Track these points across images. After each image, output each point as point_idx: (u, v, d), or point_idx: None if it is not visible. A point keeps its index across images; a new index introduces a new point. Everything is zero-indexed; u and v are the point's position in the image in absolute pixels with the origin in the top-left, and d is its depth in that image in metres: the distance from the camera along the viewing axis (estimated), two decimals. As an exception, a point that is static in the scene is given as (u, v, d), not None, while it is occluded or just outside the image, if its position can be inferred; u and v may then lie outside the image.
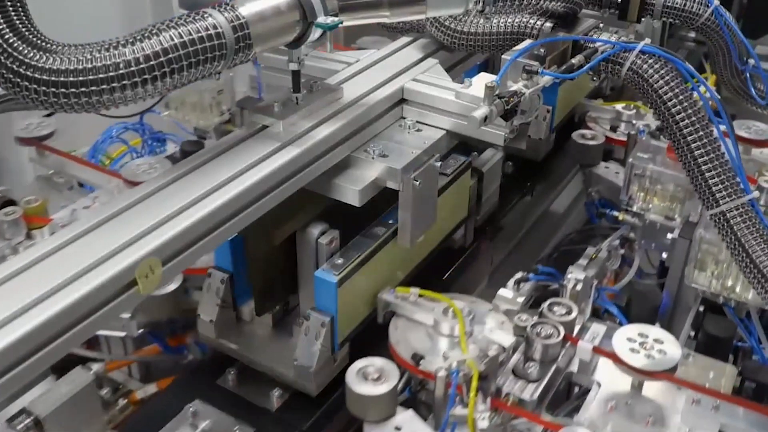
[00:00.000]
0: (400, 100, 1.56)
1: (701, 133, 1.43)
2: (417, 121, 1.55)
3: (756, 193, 1.43)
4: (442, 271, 1.74)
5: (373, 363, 1.25)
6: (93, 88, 1.06)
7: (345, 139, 1.42)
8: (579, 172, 2.17)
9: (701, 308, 1.62)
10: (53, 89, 1.04)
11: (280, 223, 1.42)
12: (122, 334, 1.58)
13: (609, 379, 1.34)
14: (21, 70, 1.03)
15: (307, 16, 1.30)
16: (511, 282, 1.51)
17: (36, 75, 1.04)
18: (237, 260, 1.48)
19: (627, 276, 1.78)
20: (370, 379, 1.22)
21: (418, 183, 1.40)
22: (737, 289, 1.54)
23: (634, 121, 2.09)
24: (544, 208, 2.19)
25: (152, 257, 1.07)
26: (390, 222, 1.48)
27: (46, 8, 2.31)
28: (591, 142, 2.03)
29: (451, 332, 1.34)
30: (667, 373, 1.27)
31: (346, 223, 1.46)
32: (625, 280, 1.77)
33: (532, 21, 1.63)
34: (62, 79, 1.04)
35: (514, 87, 1.39)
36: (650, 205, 1.77)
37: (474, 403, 1.21)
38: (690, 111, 1.44)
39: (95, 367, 1.14)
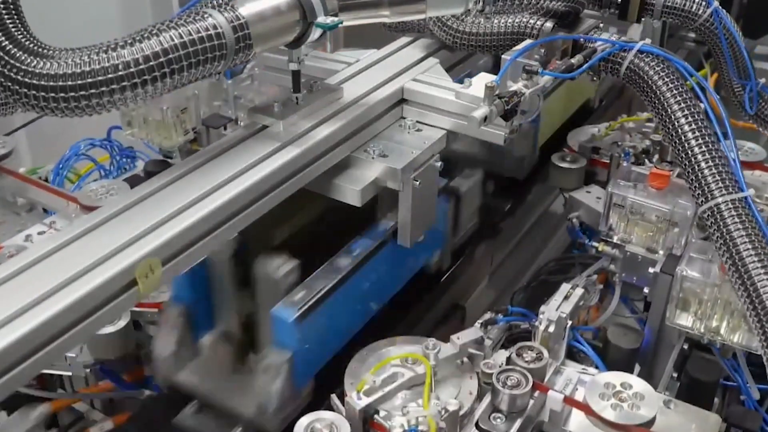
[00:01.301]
0: (400, 100, 1.56)
1: (695, 126, 1.41)
2: (417, 121, 1.54)
3: (752, 191, 1.36)
4: (441, 272, 1.74)
5: (323, 417, 1.16)
6: (92, 91, 1.06)
7: (345, 139, 1.42)
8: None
9: (686, 345, 1.52)
10: (52, 94, 1.04)
11: (280, 223, 1.42)
12: (68, 373, 1.49)
13: (582, 430, 1.24)
14: (18, 76, 1.03)
15: (307, 16, 1.30)
16: (477, 324, 1.41)
17: (34, 81, 1.04)
18: (196, 291, 1.40)
19: (606, 313, 1.67)
20: None
21: (418, 183, 1.40)
22: (722, 331, 1.43)
23: (618, 142, 1.98)
24: (543, 208, 2.20)
25: (152, 257, 1.07)
26: (356, 252, 1.41)
27: (46, 10, 2.32)
28: (572, 166, 1.92)
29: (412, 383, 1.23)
30: (643, 428, 1.19)
31: (344, 224, 1.46)
32: (604, 316, 1.67)
33: (532, 21, 1.63)
34: (60, 83, 1.04)
35: (514, 87, 1.39)
36: (631, 236, 1.65)
37: None
38: (690, 106, 1.44)
39: (41, 408, 1.09)
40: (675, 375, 1.50)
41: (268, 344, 1.33)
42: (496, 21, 1.66)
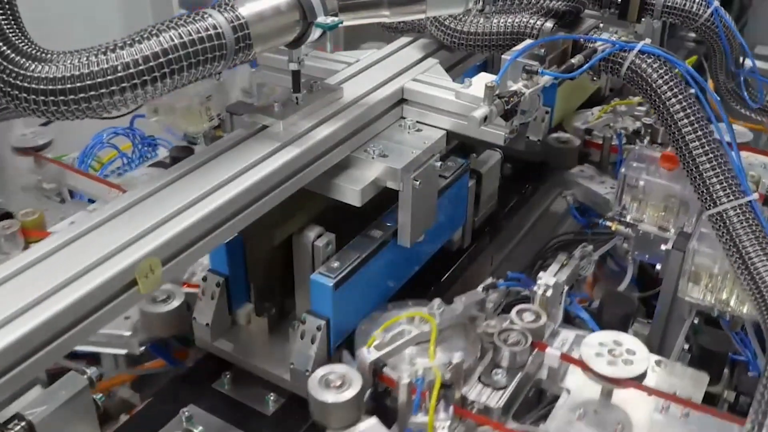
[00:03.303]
0: (400, 100, 1.56)
1: (700, 132, 1.43)
2: (417, 121, 1.55)
3: (756, 195, 1.41)
4: (441, 271, 1.74)
5: (335, 370, 1.24)
6: (92, 93, 1.06)
7: (345, 139, 1.42)
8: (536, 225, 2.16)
9: (696, 320, 1.59)
10: (52, 98, 1.04)
11: (280, 223, 1.42)
12: (123, 351, 1.54)
13: (578, 387, 1.31)
14: (18, 81, 1.03)
15: (307, 16, 1.30)
16: (479, 287, 1.47)
17: (33, 85, 1.04)
18: (233, 263, 1.48)
19: (621, 285, 1.77)
20: (332, 386, 1.21)
21: (418, 183, 1.40)
22: (731, 303, 1.49)
23: (610, 124, 2.09)
24: (543, 208, 2.20)
25: (152, 257, 1.07)
26: (388, 224, 1.48)
27: (46, 10, 2.32)
28: (566, 146, 2.03)
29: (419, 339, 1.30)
30: (635, 381, 1.25)
31: (345, 224, 1.46)
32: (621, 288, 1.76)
33: (532, 21, 1.63)
34: (60, 86, 1.04)
35: (514, 87, 1.39)
36: (644, 216, 1.72)
37: (435, 411, 1.19)
38: (689, 111, 1.44)
39: (90, 371, 1.13)
40: (686, 347, 1.57)
41: (303, 311, 1.39)
42: (495, 21, 1.66)
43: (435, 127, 1.54)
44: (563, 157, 2.05)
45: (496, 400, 1.26)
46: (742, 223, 1.37)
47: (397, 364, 1.27)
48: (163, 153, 2.19)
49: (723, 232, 1.39)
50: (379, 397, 1.27)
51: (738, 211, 1.38)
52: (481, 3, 1.50)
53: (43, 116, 1.07)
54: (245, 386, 1.46)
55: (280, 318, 1.55)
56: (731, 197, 1.39)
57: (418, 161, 1.43)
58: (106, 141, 2.18)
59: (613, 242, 1.78)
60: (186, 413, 1.34)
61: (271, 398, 1.42)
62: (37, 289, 0.98)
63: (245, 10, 1.21)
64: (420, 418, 1.19)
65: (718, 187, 1.40)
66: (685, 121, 1.44)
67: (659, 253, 1.64)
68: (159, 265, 1.08)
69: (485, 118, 1.32)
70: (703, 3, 1.68)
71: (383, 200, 1.47)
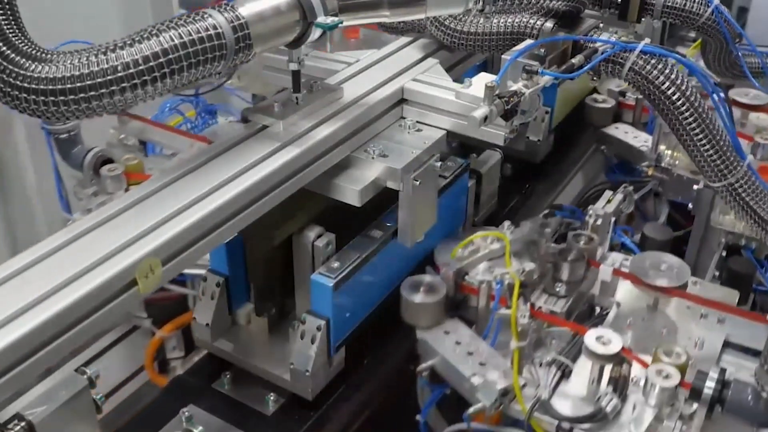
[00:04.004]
0: (400, 100, 1.56)
1: (707, 122, 1.48)
2: (417, 121, 1.55)
3: (750, 157, 1.57)
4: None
5: (423, 279, 1.43)
6: (92, 93, 1.06)
7: (345, 139, 1.42)
8: (579, 171, 2.29)
9: (724, 253, 1.83)
10: (52, 98, 1.04)
11: (280, 223, 1.42)
12: None
13: (627, 300, 1.50)
14: (18, 81, 1.03)
15: (307, 16, 1.30)
16: (539, 216, 1.64)
17: (33, 85, 1.03)
18: (233, 263, 1.48)
19: (659, 221, 2.09)
20: (421, 290, 1.40)
21: (418, 183, 1.40)
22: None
23: None
24: (545, 207, 2.19)
25: (152, 257, 1.07)
26: (388, 224, 1.48)
27: (46, 10, 2.32)
28: (602, 105, 2.27)
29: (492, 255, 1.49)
30: (680, 290, 1.44)
31: (345, 224, 1.46)
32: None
33: (532, 21, 1.63)
34: (59, 87, 1.04)
35: (514, 87, 1.39)
36: (677, 161, 1.94)
37: (516, 306, 1.35)
38: (696, 105, 1.47)
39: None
40: (717, 274, 1.81)
41: (303, 311, 1.40)
42: (495, 21, 1.66)
43: (435, 127, 1.54)
44: (600, 116, 2.27)
45: (560, 306, 1.46)
46: (750, 186, 1.52)
47: (474, 276, 1.45)
48: (221, 119, 2.44)
49: (735, 198, 1.53)
50: (455, 307, 1.46)
51: (746, 177, 1.51)
52: (481, 3, 1.50)
53: (43, 116, 1.07)
54: (245, 386, 1.46)
55: (280, 318, 1.55)
56: (738, 168, 1.50)
57: (418, 161, 1.43)
58: (173, 107, 2.39)
59: (650, 186, 2.07)
60: (186, 413, 1.34)
61: (271, 398, 1.42)
62: (37, 289, 0.98)
63: (245, 10, 1.21)
64: (503, 310, 1.35)
65: (727, 163, 1.50)
66: (695, 116, 1.47)
67: (691, 193, 1.93)
68: (159, 265, 1.08)
69: (485, 118, 1.32)
70: (704, 2, 1.68)
71: (383, 200, 1.47)
